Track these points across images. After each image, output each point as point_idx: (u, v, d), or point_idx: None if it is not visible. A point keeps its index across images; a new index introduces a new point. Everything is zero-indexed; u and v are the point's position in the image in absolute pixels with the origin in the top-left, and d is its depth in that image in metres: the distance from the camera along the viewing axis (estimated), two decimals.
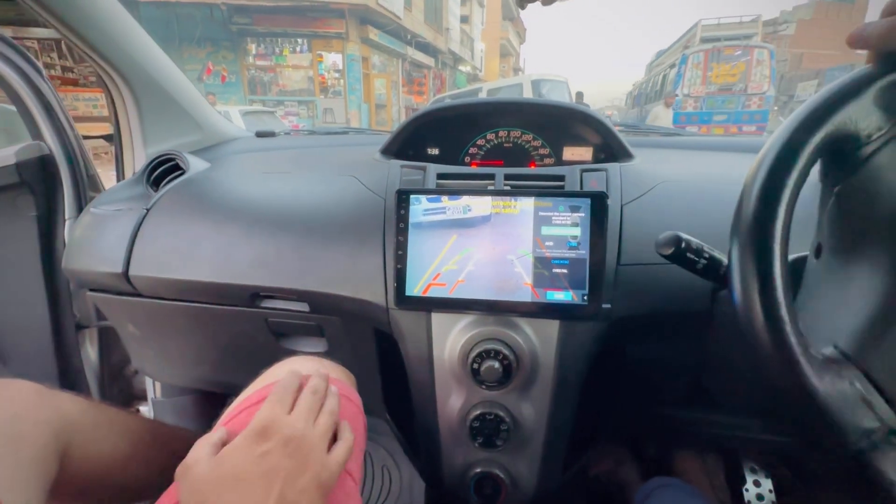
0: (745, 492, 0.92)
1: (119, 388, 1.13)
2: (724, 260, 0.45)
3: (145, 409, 1.12)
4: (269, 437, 0.40)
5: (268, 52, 12.74)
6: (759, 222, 0.32)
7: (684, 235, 0.44)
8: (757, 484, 0.93)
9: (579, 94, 7.12)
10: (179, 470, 0.40)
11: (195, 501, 0.36)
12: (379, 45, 13.70)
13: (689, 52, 6.86)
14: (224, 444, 0.41)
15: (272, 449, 0.39)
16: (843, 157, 0.33)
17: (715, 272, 0.45)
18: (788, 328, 0.31)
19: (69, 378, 1.03)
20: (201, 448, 0.41)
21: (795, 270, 0.39)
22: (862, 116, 0.31)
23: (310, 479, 0.39)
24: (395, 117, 15.27)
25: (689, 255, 0.44)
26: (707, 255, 0.45)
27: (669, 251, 0.44)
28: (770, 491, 0.92)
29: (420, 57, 17.15)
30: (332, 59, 12.67)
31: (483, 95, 8.50)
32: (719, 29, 10.93)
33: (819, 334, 0.34)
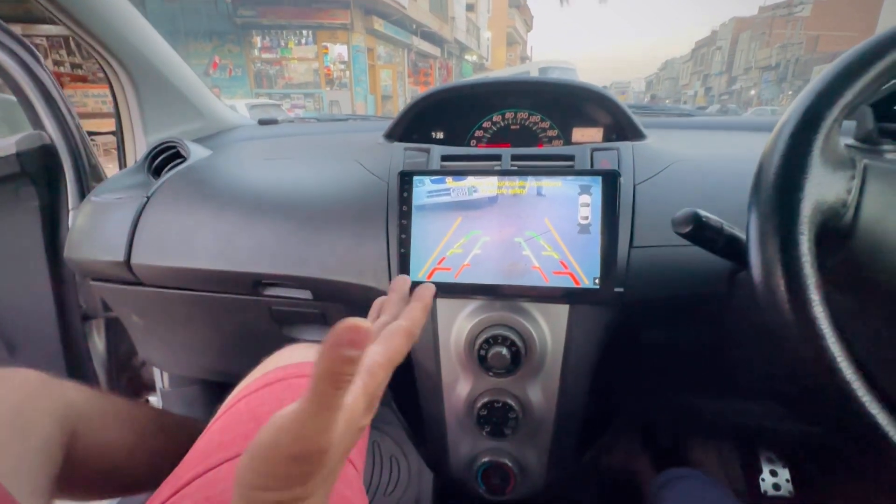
0: (761, 481, 0.90)
1: (128, 378, 1.13)
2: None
3: (154, 400, 1.12)
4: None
5: (273, 45, 12.73)
6: (781, 185, 0.29)
7: (702, 212, 0.42)
8: (774, 474, 0.91)
9: None
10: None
11: None
12: (384, 36, 13.61)
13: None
14: None
15: None
16: (829, 237, 0.31)
17: (735, 251, 0.43)
18: (816, 308, 0.28)
19: (77, 368, 1.03)
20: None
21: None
22: (826, 185, 0.30)
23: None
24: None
25: (707, 232, 0.42)
26: (727, 234, 0.42)
27: (687, 229, 0.41)
28: (787, 481, 0.90)
29: (426, 47, 17.02)
30: (338, 50, 12.62)
31: None
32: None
33: None
